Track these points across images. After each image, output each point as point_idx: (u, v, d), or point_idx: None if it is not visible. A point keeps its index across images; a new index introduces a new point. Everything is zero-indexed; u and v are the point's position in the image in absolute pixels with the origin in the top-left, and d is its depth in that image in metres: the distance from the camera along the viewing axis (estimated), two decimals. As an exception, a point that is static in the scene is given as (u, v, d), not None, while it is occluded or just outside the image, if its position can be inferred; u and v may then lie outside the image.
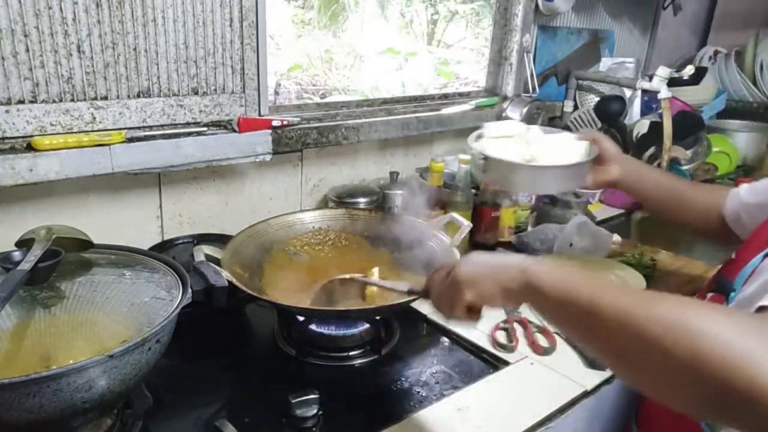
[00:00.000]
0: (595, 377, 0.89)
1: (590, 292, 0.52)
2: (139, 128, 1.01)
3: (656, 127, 1.53)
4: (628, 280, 1.15)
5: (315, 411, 0.77)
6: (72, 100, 0.93)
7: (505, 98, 1.67)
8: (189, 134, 1.04)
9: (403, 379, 0.89)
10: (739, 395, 0.40)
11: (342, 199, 1.29)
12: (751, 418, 0.41)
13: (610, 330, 0.49)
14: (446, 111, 1.52)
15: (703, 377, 0.42)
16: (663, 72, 1.48)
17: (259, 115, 1.16)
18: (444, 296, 0.67)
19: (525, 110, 1.60)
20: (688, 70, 1.49)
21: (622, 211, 1.69)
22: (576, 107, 1.78)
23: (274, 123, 1.15)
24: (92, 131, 0.96)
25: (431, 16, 2.08)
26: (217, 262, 0.90)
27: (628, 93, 1.76)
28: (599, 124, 1.62)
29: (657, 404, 0.82)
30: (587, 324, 0.52)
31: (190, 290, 0.74)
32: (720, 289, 0.80)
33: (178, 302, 0.71)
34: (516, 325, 1.02)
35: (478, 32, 2.01)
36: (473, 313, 0.66)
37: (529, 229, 1.46)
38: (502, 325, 1.01)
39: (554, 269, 0.57)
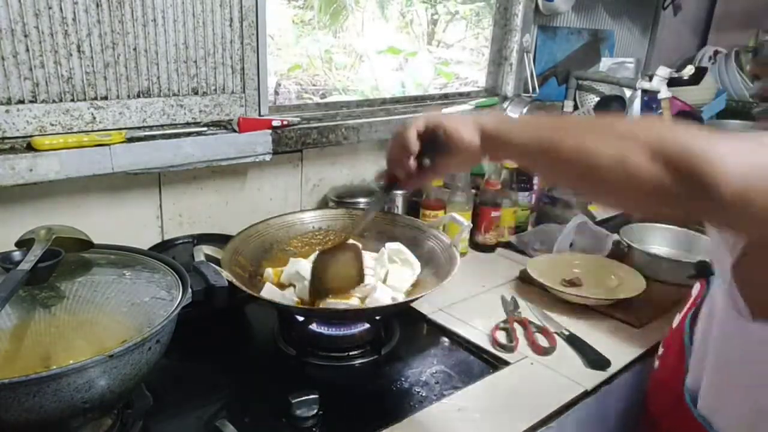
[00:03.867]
0: (595, 377, 0.89)
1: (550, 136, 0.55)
2: (139, 128, 1.01)
3: (656, 127, 1.53)
4: (628, 281, 1.15)
5: (315, 411, 0.77)
6: (72, 100, 0.93)
7: (505, 98, 1.67)
8: (189, 134, 1.04)
9: (403, 379, 0.88)
10: (699, 182, 0.43)
11: (342, 199, 1.29)
12: (711, 208, 0.44)
13: (571, 163, 0.52)
14: (446, 111, 1.52)
15: (666, 171, 0.44)
16: (663, 72, 1.48)
17: (259, 115, 1.16)
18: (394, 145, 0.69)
19: (525, 110, 1.60)
20: (688, 70, 1.49)
21: (622, 210, 1.69)
22: (576, 107, 1.78)
23: (274, 123, 1.15)
24: (92, 131, 0.96)
25: (431, 16, 2.08)
26: (217, 262, 0.90)
27: (628, 93, 1.76)
28: (599, 124, 1.62)
29: (657, 407, 0.82)
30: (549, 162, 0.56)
31: (190, 290, 0.74)
32: (700, 273, 0.80)
33: (178, 302, 0.71)
34: (516, 325, 1.02)
35: (478, 32, 2.01)
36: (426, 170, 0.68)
37: (529, 229, 1.46)
38: (502, 325, 1.01)
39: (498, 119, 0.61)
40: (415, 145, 0.67)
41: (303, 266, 0.97)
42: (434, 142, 0.66)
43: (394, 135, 0.70)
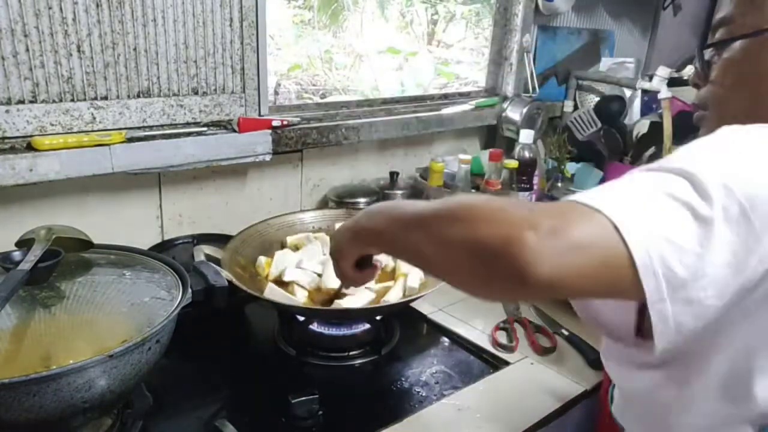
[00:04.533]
0: (595, 377, 0.89)
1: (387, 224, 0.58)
2: (139, 128, 1.01)
3: (656, 127, 1.53)
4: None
5: (315, 411, 0.77)
6: (72, 100, 0.93)
7: (505, 98, 1.67)
8: (189, 134, 1.04)
9: (403, 379, 0.88)
10: (500, 254, 0.43)
11: (342, 199, 1.29)
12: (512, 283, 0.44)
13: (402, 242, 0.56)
14: (446, 111, 1.52)
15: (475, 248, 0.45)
16: (663, 72, 1.48)
17: (259, 115, 1.16)
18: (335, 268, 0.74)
19: (525, 110, 1.60)
20: (688, 70, 1.48)
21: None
22: (576, 107, 1.78)
23: (274, 123, 1.15)
24: (92, 131, 0.95)
25: (431, 16, 2.08)
26: (217, 262, 0.90)
27: (628, 93, 1.75)
28: (599, 124, 1.62)
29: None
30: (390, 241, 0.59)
31: (190, 290, 0.74)
32: None
33: (178, 302, 0.71)
34: (516, 325, 1.02)
35: (478, 32, 2.01)
36: (363, 271, 0.72)
37: (529, 229, 1.45)
38: (502, 325, 1.01)
39: (368, 214, 0.64)
40: (358, 275, 0.73)
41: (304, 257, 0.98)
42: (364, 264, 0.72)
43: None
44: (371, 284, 0.94)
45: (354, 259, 0.69)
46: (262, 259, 1.02)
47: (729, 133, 0.49)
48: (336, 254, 0.70)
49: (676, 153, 0.49)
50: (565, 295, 0.45)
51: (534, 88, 1.68)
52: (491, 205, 0.46)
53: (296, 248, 1.09)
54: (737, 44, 0.59)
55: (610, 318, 0.57)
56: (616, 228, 0.42)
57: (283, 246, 1.10)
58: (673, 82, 1.50)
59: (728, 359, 0.51)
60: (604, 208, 0.43)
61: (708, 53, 0.63)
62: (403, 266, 1.01)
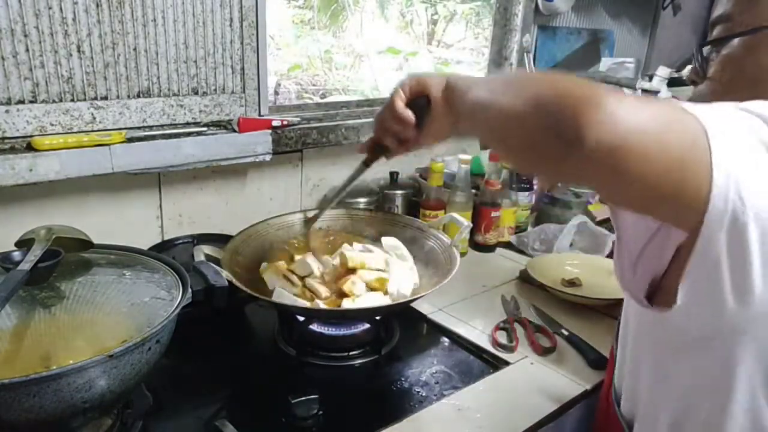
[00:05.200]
0: (595, 377, 0.89)
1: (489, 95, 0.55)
2: (139, 128, 1.01)
3: (656, 127, 1.53)
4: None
5: (315, 411, 0.77)
6: (72, 100, 0.93)
7: (505, 98, 1.67)
8: (189, 134, 1.04)
9: (403, 379, 0.88)
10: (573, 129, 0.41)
11: (342, 199, 1.29)
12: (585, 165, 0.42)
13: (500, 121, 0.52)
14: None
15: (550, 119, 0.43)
16: (663, 72, 1.48)
17: (259, 115, 1.16)
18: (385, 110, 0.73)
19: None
20: (688, 70, 1.48)
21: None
22: (576, 107, 1.78)
23: (274, 123, 1.15)
24: (92, 131, 0.95)
25: (431, 16, 2.08)
26: (217, 262, 0.90)
27: (628, 93, 1.76)
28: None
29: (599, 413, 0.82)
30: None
31: (190, 290, 0.74)
32: None
33: (178, 302, 0.71)
34: (516, 325, 1.02)
35: (478, 32, 2.01)
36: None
37: (529, 229, 1.46)
38: (502, 325, 1.01)
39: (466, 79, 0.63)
40: (410, 116, 0.71)
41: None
42: (421, 109, 0.70)
43: (385, 107, 0.72)
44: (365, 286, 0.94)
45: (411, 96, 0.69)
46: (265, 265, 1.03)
47: None
48: (420, 79, 0.69)
49: (755, 103, 0.47)
50: (617, 180, 0.42)
51: (534, 88, 1.67)
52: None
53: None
54: (735, 41, 0.59)
55: (642, 256, 0.54)
56: (706, 134, 0.41)
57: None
58: (673, 82, 1.50)
59: (752, 362, 0.49)
60: (700, 116, 0.42)
61: (706, 50, 0.63)
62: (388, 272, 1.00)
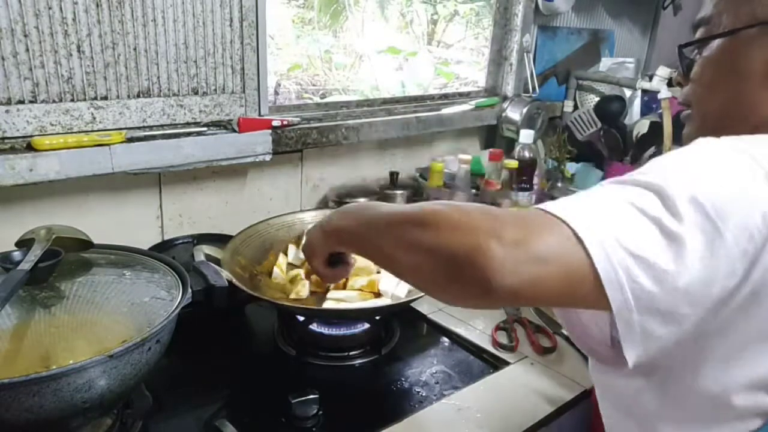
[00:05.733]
0: (595, 377, 0.89)
1: (359, 230, 0.59)
2: (139, 128, 1.01)
3: (656, 127, 1.53)
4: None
5: (315, 411, 0.77)
6: (72, 100, 0.93)
7: (505, 98, 1.67)
8: (189, 134, 1.04)
9: (403, 379, 0.88)
10: (466, 261, 0.44)
11: (342, 199, 1.29)
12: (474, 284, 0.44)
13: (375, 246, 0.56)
14: (446, 111, 1.52)
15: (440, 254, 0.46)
16: (663, 72, 1.48)
17: (259, 115, 1.16)
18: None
19: (525, 110, 1.60)
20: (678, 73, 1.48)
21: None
22: (576, 107, 1.78)
23: (274, 123, 1.15)
24: (92, 131, 0.95)
25: (431, 16, 2.08)
26: (217, 262, 0.90)
27: (628, 93, 1.75)
28: (599, 124, 1.62)
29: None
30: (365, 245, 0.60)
31: (190, 290, 0.74)
32: None
33: (178, 302, 0.71)
34: (516, 325, 1.02)
35: (478, 32, 2.01)
36: (336, 267, 0.73)
37: (529, 229, 1.45)
38: (502, 325, 1.01)
39: (340, 213, 0.65)
40: (330, 272, 0.74)
41: None
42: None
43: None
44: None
45: (325, 257, 0.70)
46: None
47: (702, 146, 0.49)
48: (307, 251, 0.71)
49: (648, 165, 0.49)
50: (530, 304, 0.46)
51: (534, 88, 1.68)
52: (459, 212, 0.47)
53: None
54: (715, 43, 0.59)
55: (586, 328, 0.57)
56: (579, 239, 0.43)
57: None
58: (673, 82, 1.50)
59: (706, 370, 0.51)
60: (568, 218, 0.44)
61: (691, 52, 0.64)
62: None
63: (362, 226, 0.58)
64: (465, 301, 0.48)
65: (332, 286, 0.98)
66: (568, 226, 0.43)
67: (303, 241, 0.73)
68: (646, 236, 0.43)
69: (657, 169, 0.47)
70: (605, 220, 0.44)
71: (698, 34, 0.62)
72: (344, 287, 0.98)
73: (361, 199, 1.30)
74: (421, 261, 0.48)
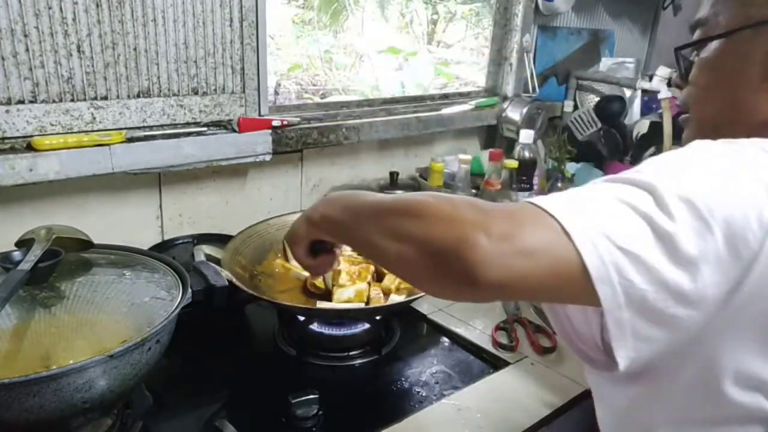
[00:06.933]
0: (595, 377, 0.89)
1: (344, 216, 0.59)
2: (139, 128, 1.01)
3: (656, 127, 1.53)
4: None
5: (315, 411, 0.77)
6: (72, 100, 0.93)
7: (505, 98, 1.67)
8: (189, 134, 1.04)
9: (403, 379, 0.88)
10: (453, 254, 0.44)
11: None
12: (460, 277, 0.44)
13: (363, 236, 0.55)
14: (446, 111, 1.52)
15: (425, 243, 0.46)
16: (663, 72, 1.48)
17: (259, 115, 1.16)
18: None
19: (525, 110, 1.60)
20: (677, 75, 1.48)
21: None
22: (576, 107, 1.78)
23: (274, 123, 1.15)
24: (92, 131, 0.95)
25: (431, 16, 2.08)
26: (217, 262, 0.90)
27: (628, 93, 1.76)
28: (599, 124, 1.62)
29: None
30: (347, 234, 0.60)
31: (190, 290, 0.74)
32: None
33: (178, 302, 0.71)
34: (516, 325, 1.02)
35: (478, 32, 2.01)
36: (318, 258, 0.72)
37: (529, 229, 1.45)
38: (502, 325, 1.01)
39: (326, 201, 0.65)
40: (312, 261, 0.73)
41: None
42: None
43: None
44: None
45: (306, 245, 0.69)
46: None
47: (697, 147, 0.49)
48: (290, 239, 0.70)
49: (642, 165, 0.48)
50: (518, 298, 0.46)
51: (534, 88, 1.68)
52: (446, 203, 0.47)
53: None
54: (711, 45, 0.59)
55: (575, 326, 0.56)
56: (566, 233, 0.42)
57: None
58: (671, 84, 1.50)
59: (698, 373, 0.50)
60: (557, 212, 0.43)
61: (689, 54, 0.64)
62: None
63: (348, 215, 0.58)
64: (451, 294, 0.48)
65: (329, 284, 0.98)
66: (556, 220, 0.43)
67: (288, 231, 0.72)
68: (637, 233, 0.42)
69: (651, 168, 0.47)
70: (595, 216, 0.43)
71: (695, 35, 0.61)
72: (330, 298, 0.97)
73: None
74: (406, 251, 0.47)
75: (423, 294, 0.91)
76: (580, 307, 0.51)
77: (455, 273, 0.44)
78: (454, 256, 0.43)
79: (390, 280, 1.00)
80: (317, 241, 0.69)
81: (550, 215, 0.43)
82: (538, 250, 0.43)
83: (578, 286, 0.43)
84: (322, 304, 0.95)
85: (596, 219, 0.43)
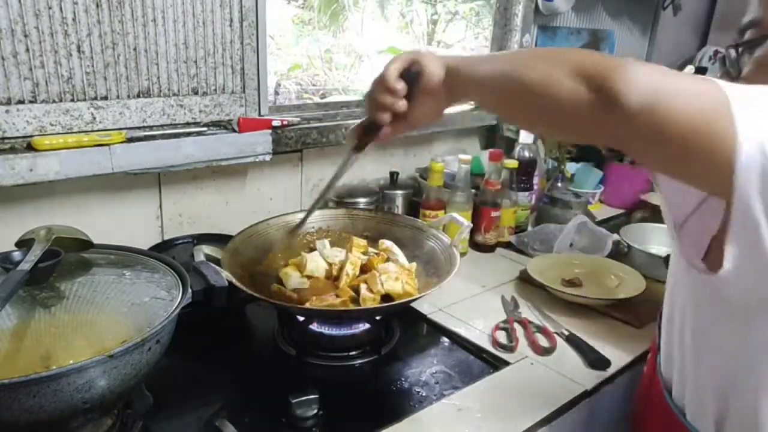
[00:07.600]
0: (595, 377, 0.89)
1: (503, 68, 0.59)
2: (139, 128, 1.01)
3: (656, 127, 1.53)
4: (628, 281, 1.15)
5: (315, 411, 0.77)
6: (72, 100, 0.93)
7: (505, 98, 1.67)
8: (189, 134, 1.04)
9: (403, 379, 0.89)
10: (609, 90, 0.46)
11: (342, 199, 1.29)
12: (620, 119, 0.46)
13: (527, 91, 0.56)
14: (446, 111, 1.52)
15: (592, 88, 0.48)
16: (663, 72, 1.48)
17: (259, 115, 1.16)
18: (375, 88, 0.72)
19: (525, 110, 1.59)
20: (688, 70, 1.49)
21: (622, 211, 1.69)
22: (576, 107, 1.78)
23: (274, 123, 1.15)
24: (92, 131, 0.96)
25: (431, 16, 2.08)
26: (217, 262, 0.90)
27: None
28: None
29: (650, 407, 0.82)
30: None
31: (190, 290, 0.74)
32: None
33: (178, 302, 0.71)
34: (516, 325, 1.02)
35: (478, 32, 2.01)
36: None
37: (529, 229, 1.46)
38: (502, 325, 1.01)
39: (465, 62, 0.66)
40: (401, 85, 0.69)
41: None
42: (412, 80, 0.69)
43: (377, 79, 0.71)
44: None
45: (399, 72, 0.67)
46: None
47: None
48: (390, 63, 0.69)
49: None
50: (647, 133, 0.46)
51: (534, 88, 1.67)
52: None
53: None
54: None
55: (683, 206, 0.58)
56: (729, 103, 0.43)
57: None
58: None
59: None
60: (722, 84, 0.45)
61: (742, 53, 0.65)
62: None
63: (516, 62, 0.57)
64: (593, 116, 0.49)
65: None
66: (720, 87, 0.44)
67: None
68: None
69: None
70: (759, 101, 0.45)
71: (748, 35, 0.63)
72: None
73: (361, 200, 1.29)
74: (558, 75, 0.50)
75: (423, 294, 0.91)
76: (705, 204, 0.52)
77: (606, 86, 0.46)
78: (608, 72, 0.46)
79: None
80: (408, 86, 0.68)
81: (715, 83, 0.45)
82: (695, 93, 0.44)
83: (718, 152, 0.43)
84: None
85: (760, 105, 0.44)
